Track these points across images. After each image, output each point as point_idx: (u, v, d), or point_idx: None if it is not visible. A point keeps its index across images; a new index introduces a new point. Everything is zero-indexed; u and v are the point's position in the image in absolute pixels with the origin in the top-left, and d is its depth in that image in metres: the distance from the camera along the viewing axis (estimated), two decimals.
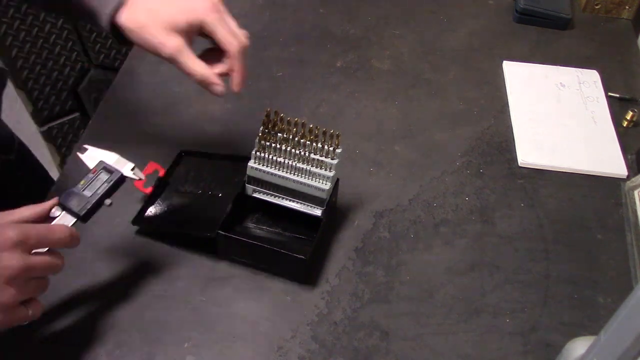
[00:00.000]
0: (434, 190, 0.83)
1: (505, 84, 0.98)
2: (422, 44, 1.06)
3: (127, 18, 0.59)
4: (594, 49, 1.06)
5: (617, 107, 0.94)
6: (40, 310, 0.55)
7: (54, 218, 0.60)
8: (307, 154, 0.69)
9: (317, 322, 0.69)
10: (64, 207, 0.61)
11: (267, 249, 0.69)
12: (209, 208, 0.76)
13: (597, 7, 1.11)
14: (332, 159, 0.69)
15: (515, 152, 0.88)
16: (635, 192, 0.79)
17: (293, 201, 0.72)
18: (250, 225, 0.76)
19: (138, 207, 0.78)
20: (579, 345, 0.57)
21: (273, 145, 0.69)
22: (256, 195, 0.73)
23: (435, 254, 0.76)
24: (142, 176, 0.67)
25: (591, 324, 0.69)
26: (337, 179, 0.73)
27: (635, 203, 0.79)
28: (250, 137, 0.70)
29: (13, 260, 0.50)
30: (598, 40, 1.07)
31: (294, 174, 0.70)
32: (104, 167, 0.64)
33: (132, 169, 0.66)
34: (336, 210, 0.78)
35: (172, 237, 0.75)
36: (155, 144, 0.87)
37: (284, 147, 0.69)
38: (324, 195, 0.70)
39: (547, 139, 0.89)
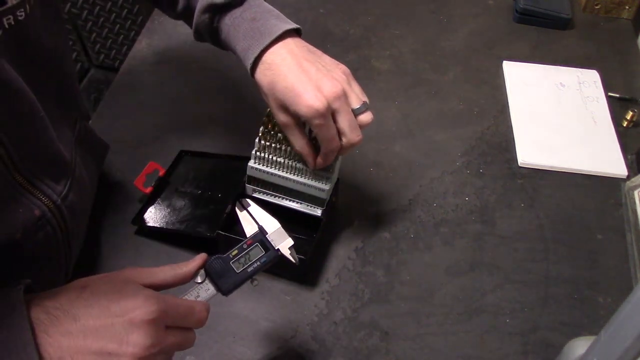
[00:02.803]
0: (434, 190, 0.83)
1: (505, 84, 0.98)
2: (422, 44, 1.06)
3: (258, 77, 0.63)
4: (594, 49, 1.06)
5: (617, 107, 0.94)
6: None
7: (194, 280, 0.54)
8: None
9: (317, 322, 0.69)
10: (208, 274, 0.54)
11: None
12: (209, 208, 0.77)
13: (597, 7, 1.11)
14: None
15: (515, 152, 0.88)
16: (635, 192, 0.79)
17: (293, 201, 0.72)
18: None
19: (138, 207, 0.78)
20: (579, 345, 0.57)
21: (273, 145, 0.69)
22: (256, 195, 0.73)
23: (435, 254, 0.76)
24: (297, 259, 0.59)
25: (591, 324, 0.69)
26: (338, 179, 0.73)
27: (635, 203, 0.79)
28: (250, 137, 0.70)
29: (145, 339, 0.46)
30: (598, 40, 1.07)
31: (294, 174, 0.70)
32: (261, 241, 0.57)
33: (290, 247, 0.59)
34: (336, 210, 0.78)
35: (172, 237, 0.75)
36: (155, 144, 0.87)
37: (284, 147, 0.69)
38: (324, 195, 0.70)
39: (547, 139, 0.89)
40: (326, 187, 0.70)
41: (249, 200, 0.62)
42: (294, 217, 0.73)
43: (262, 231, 0.58)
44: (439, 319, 0.69)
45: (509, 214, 0.80)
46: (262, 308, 0.70)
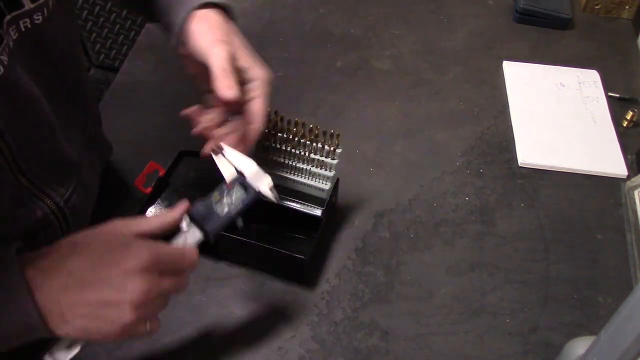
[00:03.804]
0: (434, 190, 0.83)
1: (505, 84, 0.98)
2: (422, 44, 1.06)
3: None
4: (594, 49, 1.06)
5: (617, 107, 0.94)
6: (158, 327, 0.52)
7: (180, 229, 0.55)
8: (307, 154, 0.69)
9: (317, 322, 0.69)
10: (193, 219, 0.55)
11: (267, 249, 0.69)
12: None
13: (597, 7, 1.11)
14: (332, 159, 0.69)
15: (515, 152, 0.88)
16: (635, 192, 0.79)
17: (293, 201, 0.72)
18: (251, 225, 0.75)
19: (138, 207, 0.78)
20: (579, 345, 0.57)
21: (273, 145, 0.69)
22: None
23: (435, 254, 0.76)
24: (277, 197, 0.60)
25: (591, 324, 0.69)
26: (337, 179, 0.73)
27: (635, 203, 0.79)
28: None
29: (142, 285, 0.47)
30: (598, 40, 1.07)
31: (294, 174, 0.70)
32: (241, 183, 0.58)
33: (270, 187, 0.59)
34: (336, 210, 0.78)
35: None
36: (155, 144, 0.87)
37: (284, 147, 0.69)
38: (324, 195, 0.70)
39: (547, 139, 0.89)
40: (326, 187, 0.70)
41: (222, 144, 0.61)
42: (294, 217, 0.73)
43: (240, 174, 0.59)
44: (439, 319, 0.69)
45: (509, 214, 0.80)
46: (262, 308, 0.70)
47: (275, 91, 0.96)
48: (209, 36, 0.60)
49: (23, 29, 0.51)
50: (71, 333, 0.47)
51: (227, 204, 0.56)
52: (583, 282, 0.73)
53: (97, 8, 1.59)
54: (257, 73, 0.61)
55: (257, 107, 0.61)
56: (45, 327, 0.46)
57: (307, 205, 0.72)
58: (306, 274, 0.72)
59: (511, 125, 0.91)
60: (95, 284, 0.46)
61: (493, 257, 0.75)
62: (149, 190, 0.78)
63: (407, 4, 1.13)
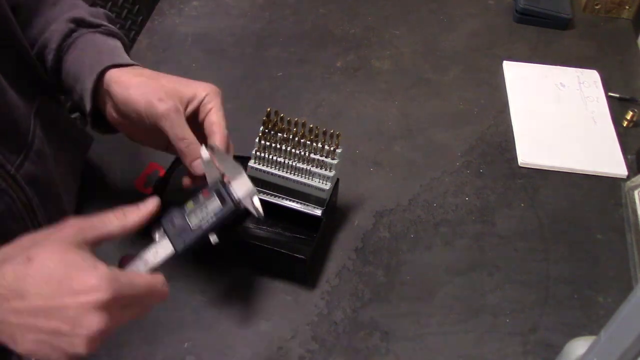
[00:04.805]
0: (434, 190, 0.83)
1: (505, 84, 0.98)
2: (422, 44, 1.06)
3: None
4: (594, 49, 1.05)
5: (617, 107, 0.94)
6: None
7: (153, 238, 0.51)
8: (307, 154, 0.69)
9: (317, 322, 0.69)
10: (165, 230, 0.50)
11: (268, 249, 0.69)
12: None
13: (597, 7, 1.11)
14: (332, 159, 0.69)
15: (515, 152, 0.88)
16: (635, 192, 0.79)
17: (293, 201, 0.72)
18: (251, 225, 0.76)
19: None
20: (579, 345, 0.57)
21: (273, 145, 0.69)
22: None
23: (435, 254, 0.76)
24: (261, 212, 0.52)
25: (591, 324, 0.69)
26: (337, 179, 0.73)
27: (635, 203, 0.79)
28: (250, 137, 0.70)
29: (100, 321, 0.44)
30: (598, 40, 1.07)
31: (294, 174, 0.70)
32: (218, 193, 0.50)
33: (252, 197, 0.51)
34: (336, 210, 0.78)
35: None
36: None
37: (284, 147, 0.69)
38: (324, 195, 0.70)
39: (547, 139, 0.89)
40: (326, 187, 0.70)
41: (215, 144, 0.54)
42: (294, 217, 0.73)
43: (221, 180, 0.52)
44: (439, 319, 0.69)
45: (509, 214, 0.80)
46: (262, 308, 0.70)
47: (275, 91, 0.97)
48: (144, 96, 0.58)
49: None
50: (21, 352, 0.46)
51: (201, 216, 0.50)
52: (583, 282, 0.73)
53: None
54: (202, 90, 0.60)
55: (213, 118, 0.59)
56: None
57: (307, 205, 0.72)
58: (306, 274, 0.72)
59: (511, 125, 0.91)
60: (50, 314, 0.44)
61: (493, 257, 0.75)
62: (149, 190, 0.78)
63: (407, 4, 1.13)
